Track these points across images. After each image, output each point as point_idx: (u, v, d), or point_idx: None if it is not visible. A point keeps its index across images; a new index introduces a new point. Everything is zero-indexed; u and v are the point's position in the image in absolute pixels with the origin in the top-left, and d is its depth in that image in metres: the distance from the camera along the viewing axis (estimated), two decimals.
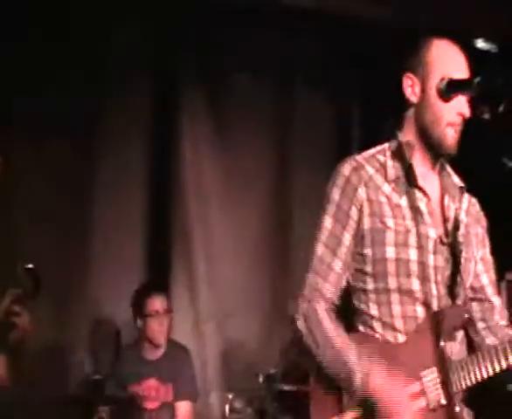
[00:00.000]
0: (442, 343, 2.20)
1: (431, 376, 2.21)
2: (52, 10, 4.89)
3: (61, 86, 4.94)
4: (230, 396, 4.48)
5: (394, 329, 2.25)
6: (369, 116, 5.72)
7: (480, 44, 4.72)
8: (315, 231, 2.34)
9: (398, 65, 2.37)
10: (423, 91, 2.30)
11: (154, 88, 5.33)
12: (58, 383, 4.87)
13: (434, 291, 2.25)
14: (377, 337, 2.27)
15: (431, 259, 2.26)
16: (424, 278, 2.25)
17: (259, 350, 5.30)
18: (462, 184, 2.40)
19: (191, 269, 5.38)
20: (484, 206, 2.48)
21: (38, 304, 3.92)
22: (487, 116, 2.19)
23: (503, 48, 5.00)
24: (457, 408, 2.17)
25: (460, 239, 2.31)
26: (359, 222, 2.29)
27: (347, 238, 2.30)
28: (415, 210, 2.28)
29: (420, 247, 2.25)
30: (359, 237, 2.29)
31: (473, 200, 2.46)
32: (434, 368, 2.21)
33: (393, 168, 2.32)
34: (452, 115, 2.27)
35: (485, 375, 2.21)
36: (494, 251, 2.47)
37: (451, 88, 2.25)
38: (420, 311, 2.25)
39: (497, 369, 2.20)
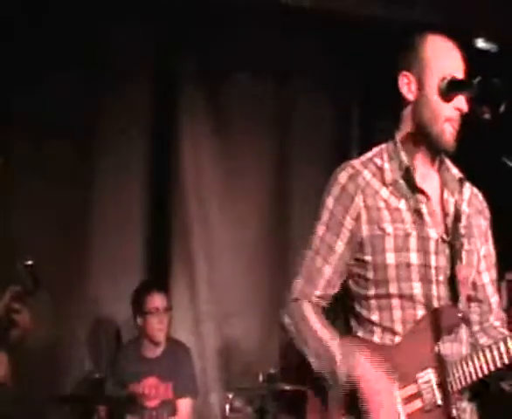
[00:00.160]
0: (438, 344, 2.19)
1: (426, 377, 2.19)
2: (53, 10, 4.89)
3: (61, 86, 4.94)
4: (230, 396, 4.47)
5: (393, 333, 2.25)
6: (369, 116, 5.72)
7: (481, 44, 4.72)
8: (308, 238, 2.34)
9: (396, 63, 2.36)
10: (419, 88, 2.28)
11: (154, 88, 5.33)
12: (58, 382, 4.88)
13: (435, 292, 2.24)
14: (374, 340, 2.26)
15: (432, 260, 2.25)
16: (425, 280, 2.24)
17: (258, 349, 5.31)
18: (461, 175, 2.37)
19: (191, 268, 5.38)
20: None
21: (38, 302, 3.93)
22: (487, 116, 2.18)
23: (503, 48, 5.00)
24: (453, 410, 2.15)
25: (462, 231, 2.29)
26: (356, 230, 2.28)
27: (339, 246, 2.29)
28: (415, 213, 2.27)
29: (421, 250, 2.24)
30: (358, 244, 2.28)
31: (476, 190, 2.44)
32: (430, 369, 2.20)
33: (390, 172, 2.31)
34: (449, 111, 2.25)
35: (480, 375, 2.19)
36: (495, 251, 2.46)
37: (452, 88, 2.25)
38: (421, 314, 2.24)
39: (492, 368, 2.19)
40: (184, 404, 4.64)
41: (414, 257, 2.24)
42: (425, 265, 2.24)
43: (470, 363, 2.20)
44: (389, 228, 2.25)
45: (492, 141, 2.13)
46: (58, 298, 4.82)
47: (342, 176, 2.32)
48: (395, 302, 2.25)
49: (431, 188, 2.33)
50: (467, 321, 2.33)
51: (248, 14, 5.17)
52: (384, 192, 2.29)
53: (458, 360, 2.21)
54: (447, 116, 2.25)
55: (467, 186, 2.40)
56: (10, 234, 4.72)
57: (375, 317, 2.27)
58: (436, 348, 2.18)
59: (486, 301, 2.41)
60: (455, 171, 2.38)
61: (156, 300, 4.68)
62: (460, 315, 2.24)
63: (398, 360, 2.20)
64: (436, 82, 2.25)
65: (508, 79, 2.17)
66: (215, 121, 5.50)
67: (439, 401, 2.17)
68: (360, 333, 2.30)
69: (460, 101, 2.25)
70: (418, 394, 2.19)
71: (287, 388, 4.37)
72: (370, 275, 2.27)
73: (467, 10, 4.73)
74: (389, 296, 2.25)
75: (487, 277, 2.41)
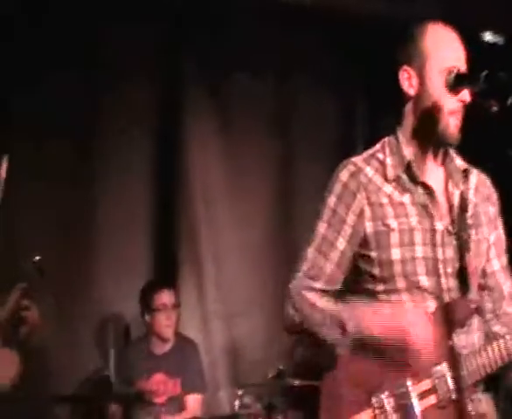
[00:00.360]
0: (452, 337, 2.17)
1: (440, 372, 2.18)
2: (53, 10, 4.88)
3: (61, 86, 4.93)
4: (239, 392, 4.47)
5: None
6: (373, 112, 5.71)
7: (488, 36, 4.70)
8: (309, 236, 2.34)
9: (396, 58, 2.34)
10: (421, 82, 2.27)
11: (154, 88, 5.32)
12: (67, 380, 4.86)
13: (444, 285, 2.23)
14: None
15: (439, 253, 2.24)
16: (433, 274, 2.23)
17: (266, 346, 5.33)
18: (466, 166, 2.35)
19: (198, 267, 5.40)
20: None
21: (46, 301, 3.93)
22: (495, 109, 2.17)
23: (511, 40, 4.97)
24: (468, 404, 2.14)
25: (469, 221, 2.28)
26: (359, 226, 2.27)
27: (341, 242, 2.29)
28: (419, 206, 2.26)
29: (427, 243, 2.23)
30: (362, 241, 2.27)
31: (483, 177, 2.42)
32: (444, 364, 2.18)
33: (392, 168, 2.30)
34: (453, 103, 2.23)
35: (495, 368, 2.19)
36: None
37: (459, 82, 2.23)
38: (432, 306, 2.23)
39: (506, 360, 2.18)
40: (193, 400, 4.65)
41: (420, 251, 2.23)
42: (433, 258, 2.23)
43: (484, 355, 2.19)
44: (393, 223, 2.25)
45: (500, 134, 2.10)
46: (66, 296, 4.84)
47: (344, 174, 2.32)
48: (405, 296, 2.25)
49: (435, 181, 2.31)
50: (480, 311, 2.32)
51: (248, 13, 5.16)
52: (388, 187, 2.29)
53: (471, 353, 2.20)
54: (451, 109, 2.24)
55: (474, 173, 2.38)
56: (12, 235, 4.70)
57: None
58: (449, 342, 2.17)
59: (497, 288, 2.38)
60: (460, 162, 2.36)
61: (164, 297, 4.69)
62: (472, 306, 2.23)
63: (412, 356, 2.18)
64: (437, 74, 2.23)
65: None
66: (219, 121, 5.50)
67: (454, 396, 2.15)
68: None
69: (464, 93, 2.24)
70: (432, 390, 2.18)
71: (296, 383, 4.37)
72: (376, 271, 2.27)
73: (474, 3, 4.72)
74: (398, 291, 2.25)
75: (498, 264, 2.39)
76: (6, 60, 4.72)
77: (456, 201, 2.30)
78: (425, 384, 2.18)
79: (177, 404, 4.60)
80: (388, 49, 2.39)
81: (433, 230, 2.24)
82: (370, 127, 5.72)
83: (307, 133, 5.63)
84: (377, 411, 2.18)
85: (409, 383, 2.17)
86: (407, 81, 2.29)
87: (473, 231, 2.29)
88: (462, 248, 2.23)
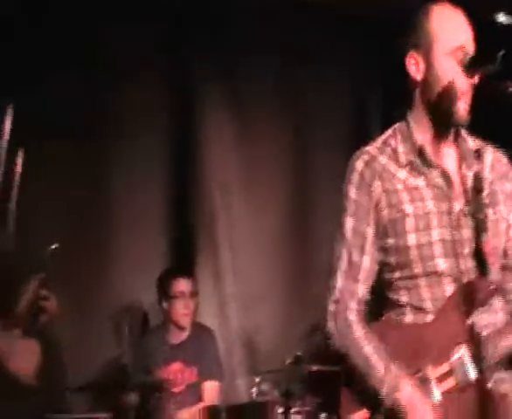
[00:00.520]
0: (471, 318, 2.16)
1: (460, 354, 2.16)
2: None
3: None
4: (257, 380, 4.47)
5: (425, 312, 2.22)
6: (387, 101, 5.70)
7: (502, 18, 4.68)
8: (338, 232, 2.32)
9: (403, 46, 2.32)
10: (428, 67, 2.26)
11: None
12: (85, 370, 4.84)
13: (462, 266, 2.22)
14: (405, 321, 2.24)
15: (456, 234, 2.23)
16: (450, 255, 2.22)
17: (282, 333, 5.35)
18: (479, 146, 2.33)
19: (215, 256, 5.42)
20: None
21: (65, 290, 3.92)
22: (511, 90, 2.16)
23: None
24: (489, 385, 2.12)
25: (486, 201, 2.26)
26: (378, 215, 2.27)
27: (370, 233, 2.29)
28: (434, 189, 2.26)
29: (443, 225, 2.23)
30: (381, 230, 2.27)
31: (499, 154, 2.39)
32: (463, 345, 2.17)
33: (404, 154, 2.30)
34: (462, 84, 2.21)
35: None
36: None
37: (474, 64, 2.22)
38: (450, 290, 2.22)
39: None
40: (210, 387, 4.63)
41: (436, 234, 2.22)
42: (449, 240, 2.22)
43: (507, 335, 2.18)
44: (409, 208, 2.24)
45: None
46: (84, 285, 4.85)
47: (359, 164, 2.32)
48: (422, 281, 2.24)
49: (448, 163, 2.30)
50: (501, 291, 2.30)
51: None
52: (401, 173, 2.28)
53: (493, 333, 2.19)
54: (460, 90, 2.22)
55: (489, 151, 2.36)
56: (27, 226, 4.67)
57: (404, 298, 2.26)
58: (468, 323, 2.15)
59: None
60: (472, 143, 2.34)
61: (182, 284, 4.68)
62: (492, 287, 2.21)
63: (431, 339, 2.18)
64: (445, 56, 2.22)
65: None
66: (235, 110, 5.53)
67: (472, 377, 2.14)
68: (393, 316, 2.29)
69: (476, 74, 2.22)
70: (451, 372, 2.16)
71: (314, 369, 4.35)
72: (392, 259, 2.26)
73: None
74: (415, 276, 2.24)
75: None
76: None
77: (470, 182, 2.28)
78: (445, 367, 2.17)
79: (195, 393, 4.59)
80: (401, 38, 2.38)
81: (449, 212, 2.24)
82: (384, 116, 5.73)
83: (322, 122, 5.65)
84: None
85: (428, 368, 2.17)
86: (414, 66, 2.29)
87: (490, 211, 2.27)
88: (479, 228, 2.21)
